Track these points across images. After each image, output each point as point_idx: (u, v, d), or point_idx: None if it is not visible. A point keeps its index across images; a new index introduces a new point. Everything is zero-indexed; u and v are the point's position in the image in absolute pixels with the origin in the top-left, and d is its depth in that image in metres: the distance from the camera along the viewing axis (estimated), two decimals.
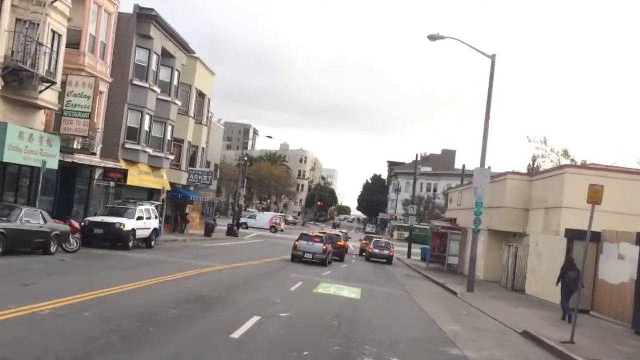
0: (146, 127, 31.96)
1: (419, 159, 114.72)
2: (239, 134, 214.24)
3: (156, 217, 27.13)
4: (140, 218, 24.61)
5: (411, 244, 48.60)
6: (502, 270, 26.71)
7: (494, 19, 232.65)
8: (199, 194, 43.46)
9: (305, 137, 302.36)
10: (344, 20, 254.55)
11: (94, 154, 26.04)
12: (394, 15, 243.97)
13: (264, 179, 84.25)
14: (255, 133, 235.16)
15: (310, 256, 27.03)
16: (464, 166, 52.73)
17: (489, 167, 22.39)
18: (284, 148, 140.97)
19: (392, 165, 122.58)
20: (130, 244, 23.45)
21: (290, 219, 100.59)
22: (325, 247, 27.40)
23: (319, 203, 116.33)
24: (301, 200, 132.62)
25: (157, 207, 29.11)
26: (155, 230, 26.54)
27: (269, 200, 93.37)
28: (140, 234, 24.66)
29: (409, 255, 46.66)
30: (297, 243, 27.74)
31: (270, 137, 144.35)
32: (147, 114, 31.81)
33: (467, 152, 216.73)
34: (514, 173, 32.27)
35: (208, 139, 45.82)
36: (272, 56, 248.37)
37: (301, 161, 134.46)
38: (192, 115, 39.16)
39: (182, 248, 29.25)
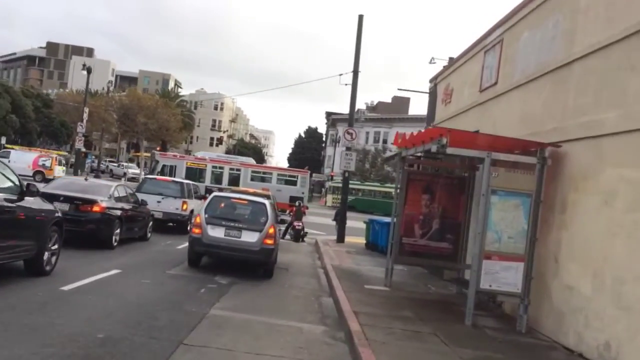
0: None
1: (364, 108, 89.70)
2: (156, 84, 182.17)
3: None
4: None
5: (345, 214, 22.38)
6: None
7: None
8: None
9: (243, 103, 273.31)
10: None
11: None
12: None
13: (128, 111, 53.70)
14: (177, 85, 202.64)
15: None
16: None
17: None
18: (199, 94, 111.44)
19: (330, 115, 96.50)
20: None
21: None
22: None
23: None
24: None
25: None
26: None
27: (139, 148, 58.33)
28: None
29: (341, 238, 20.85)
30: None
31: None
32: None
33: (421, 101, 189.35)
34: None
35: None
36: (215, 22, 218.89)
37: (216, 108, 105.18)
38: None
39: None
